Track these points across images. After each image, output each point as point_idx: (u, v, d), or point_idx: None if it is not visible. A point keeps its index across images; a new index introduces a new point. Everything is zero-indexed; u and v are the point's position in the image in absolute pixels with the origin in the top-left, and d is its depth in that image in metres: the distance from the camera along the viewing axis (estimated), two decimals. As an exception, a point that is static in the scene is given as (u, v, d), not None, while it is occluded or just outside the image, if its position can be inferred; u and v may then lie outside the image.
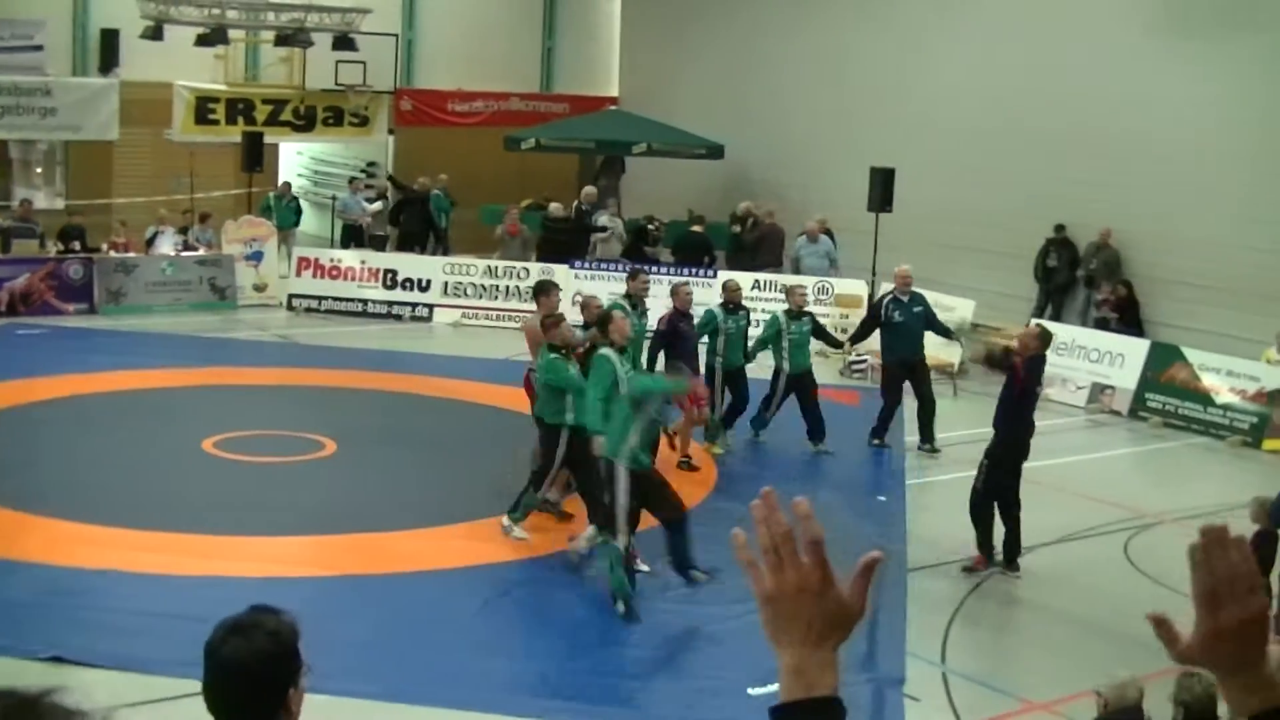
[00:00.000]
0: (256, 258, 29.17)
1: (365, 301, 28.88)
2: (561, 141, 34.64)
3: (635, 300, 18.60)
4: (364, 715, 11.09)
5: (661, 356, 18.88)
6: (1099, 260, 27.17)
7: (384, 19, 34.80)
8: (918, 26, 30.99)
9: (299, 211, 32.61)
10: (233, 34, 32.61)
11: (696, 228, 30.16)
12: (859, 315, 23.71)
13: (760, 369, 20.51)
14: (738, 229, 30.50)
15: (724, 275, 25.09)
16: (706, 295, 25.01)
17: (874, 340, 21.78)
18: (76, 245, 28.25)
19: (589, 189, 31.76)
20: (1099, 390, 23.99)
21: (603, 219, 30.56)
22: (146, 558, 14.27)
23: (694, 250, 29.78)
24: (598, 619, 13.68)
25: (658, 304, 19.87)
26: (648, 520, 14.13)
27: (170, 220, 30.13)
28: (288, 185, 33.46)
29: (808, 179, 32.66)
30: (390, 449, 18.97)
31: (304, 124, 35.41)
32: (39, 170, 32.86)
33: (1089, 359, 24.13)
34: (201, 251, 29.06)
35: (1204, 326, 24.86)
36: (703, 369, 19.33)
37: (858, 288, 26.80)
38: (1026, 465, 15.64)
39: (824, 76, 32.90)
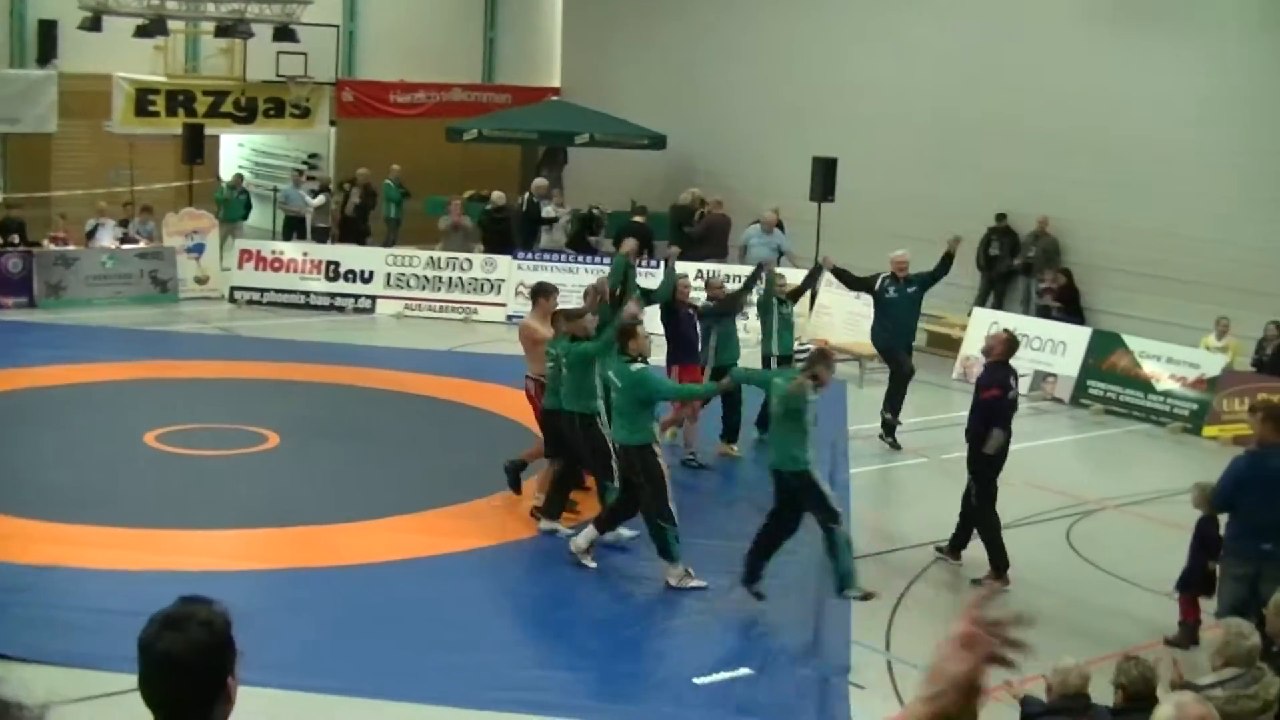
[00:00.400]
0: (198, 250, 29.01)
1: (308, 294, 28.77)
2: (504, 132, 34.61)
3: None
4: (310, 710, 11.05)
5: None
6: (1038, 248, 27.33)
7: (325, 10, 34.62)
8: (861, 16, 31.05)
9: (248, 204, 32.40)
10: (172, 25, 32.33)
11: (638, 218, 30.19)
12: (801, 305, 23.41)
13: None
14: (689, 229, 30.42)
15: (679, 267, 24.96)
16: (650, 285, 25.03)
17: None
18: (15, 239, 28.03)
19: (539, 181, 31.74)
20: (1041, 378, 24.12)
21: (549, 210, 30.55)
22: (89, 553, 14.19)
23: (635, 240, 29.76)
24: (546, 611, 13.69)
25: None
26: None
27: (110, 213, 29.93)
28: (240, 177, 33.20)
29: (750, 169, 32.72)
30: (333, 441, 18.92)
31: (245, 115, 35.20)
32: (-24, 164, 32.65)
33: (1031, 347, 24.20)
34: (142, 244, 28.87)
35: (1144, 314, 25.04)
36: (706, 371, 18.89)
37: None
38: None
39: (767, 66, 32.93)
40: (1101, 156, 26.29)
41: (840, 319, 26.27)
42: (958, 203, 28.05)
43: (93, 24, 30.70)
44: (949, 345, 26.13)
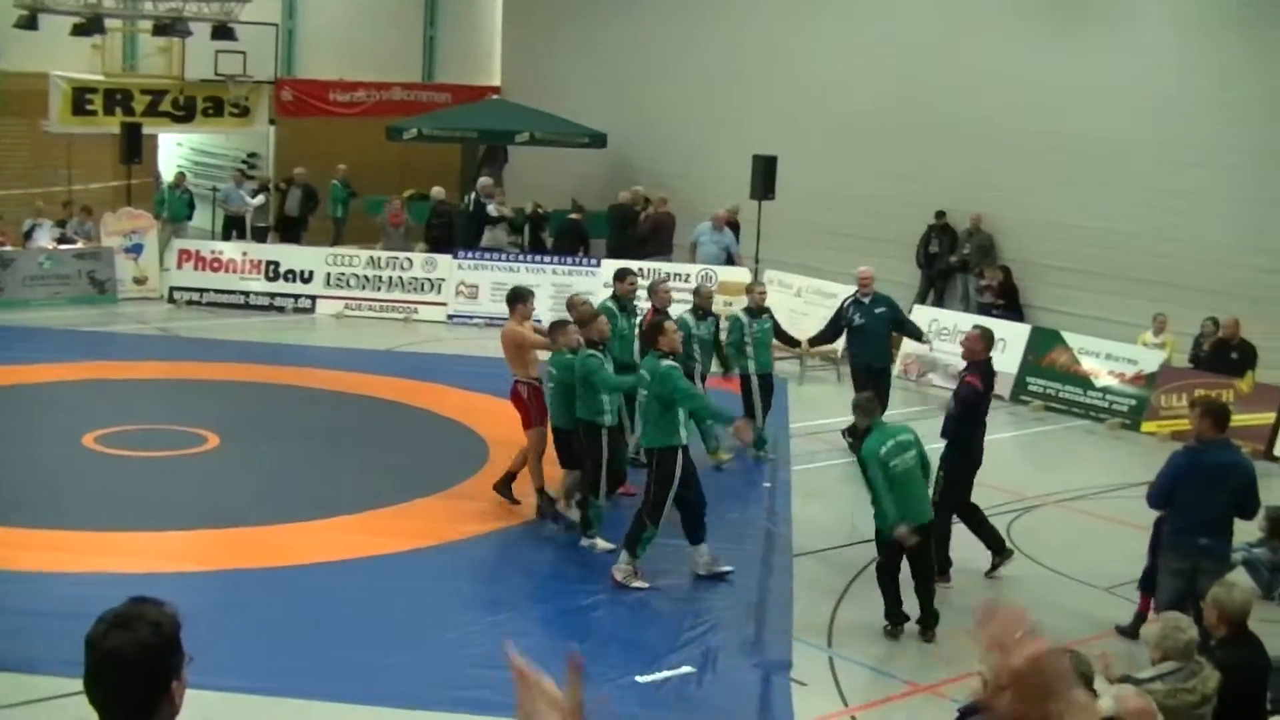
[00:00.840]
0: (136, 250, 28.82)
1: (247, 294, 28.62)
2: (444, 131, 34.56)
3: (624, 302, 18.38)
4: (250, 710, 11.01)
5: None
6: (973, 245, 27.48)
7: (264, 8, 34.40)
8: (801, 15, 31.09)
9: (192, 204, 32.17)
10: (109, 23, 32.08)
11: (574, 215, 30.26)
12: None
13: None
14: (637, 228, 30.42)
15: (613, 264, 25.00)
16: (588, 284, 25.20)
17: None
18: (-48, 239, 27.83)
19: (485, 180, 31.67)
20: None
21: (491, 208, 30.49)
22: (27, 555, 14.07)
23: (570, 239, 29.91)
24: (486, 611, 13.67)
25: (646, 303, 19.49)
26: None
27: (48, 213, 29.73)
28: (182, 175, 32.98)
29: (691, 167, 32.77)
30: (273, 442, 18.85)
31: (184, 115, 34.97)
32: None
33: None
34: (80, 245, 28.67)
35: (1083, 311, 25.22)
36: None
37: (741, 274, 26.75)
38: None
39: (706, 65, 32.97)
40: (1040, 154, 26.46)
41: (814, 322, 26.05)
42: (896, 200, 28.19)
43: (29, 22, 30.43)
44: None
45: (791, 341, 21.28)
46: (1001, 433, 22.28)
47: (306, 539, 15.14)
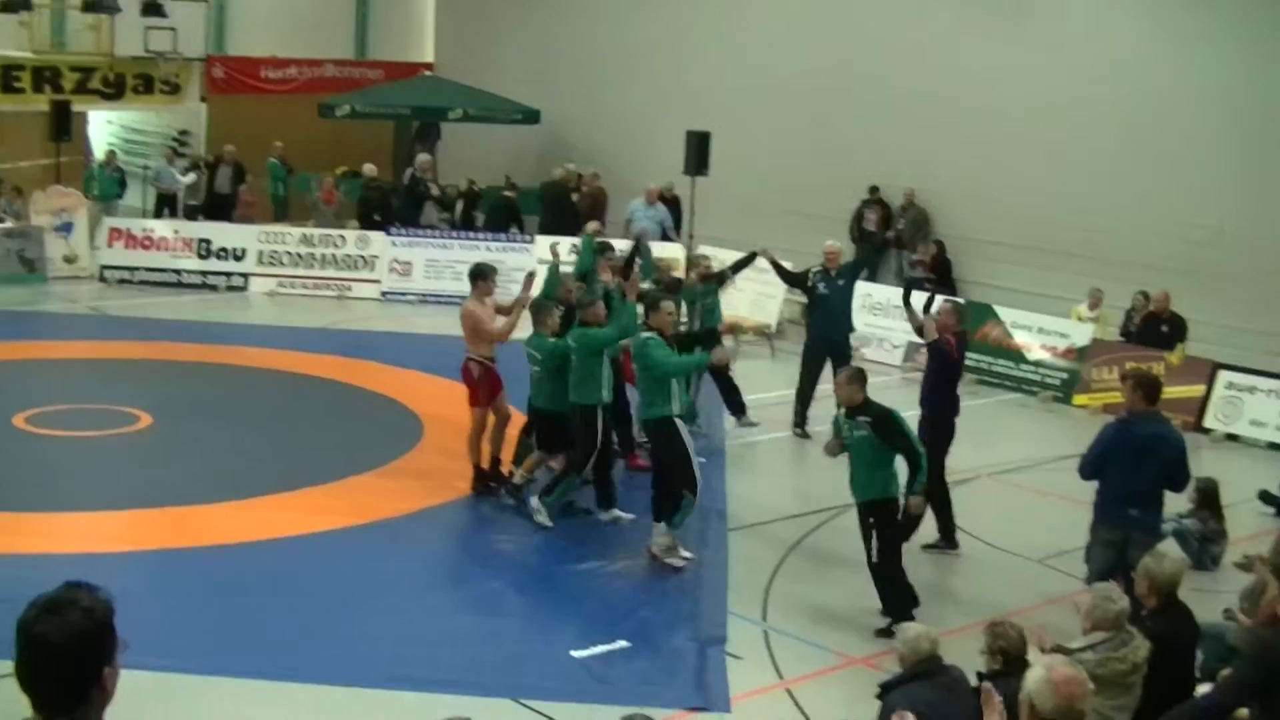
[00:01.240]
0: (66, 229, 28.58)
1: (179, 272, 28.41)
2: (377, 108, 34.46)
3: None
4: (183, 691, 10.95)
5: None
6: (906, 220, 27.59)
7: (194, -16, 34.23)
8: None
9: (123, 183, 31.92)
10: (37, 0, 31.87)
11: (508, 193, 30.24)
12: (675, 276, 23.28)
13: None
14: (574, 201, 30.39)
15: (546, 241, 24.95)
16: (521, 261, 25.20)
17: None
18: (-123, 219, 27.56)
19: (424, 157, 31.55)
20: (914, 349, 24.28)
21: (433, 188, 30.35)
22: (-44, 537, 13.98)
23: (502, 215, 29.88)
24: (421, 588, 13.64)
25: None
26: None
27: (-25, 192, 29.48)
28: (112, 154, 32.70)
29: (625, 144, 32.75)
30: (206, 421, 18.73)
31: (113, 92, 34.71)
32: None
33: (904, 318, 24.40)
34: (9, 224, 28.40)
35: (1015, 285, 25.38)
36: None
37: (674, 251, 26.71)
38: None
39: (641, 41, 32.96)
40: (973, 129, 26.62)
41: (749, 299, 26.07)
42: (830, 176, 28.27)
43: (-46, 0, 30.20)
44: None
45: (749, 259, 20.65)
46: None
47: (239, 518, 15.05)
